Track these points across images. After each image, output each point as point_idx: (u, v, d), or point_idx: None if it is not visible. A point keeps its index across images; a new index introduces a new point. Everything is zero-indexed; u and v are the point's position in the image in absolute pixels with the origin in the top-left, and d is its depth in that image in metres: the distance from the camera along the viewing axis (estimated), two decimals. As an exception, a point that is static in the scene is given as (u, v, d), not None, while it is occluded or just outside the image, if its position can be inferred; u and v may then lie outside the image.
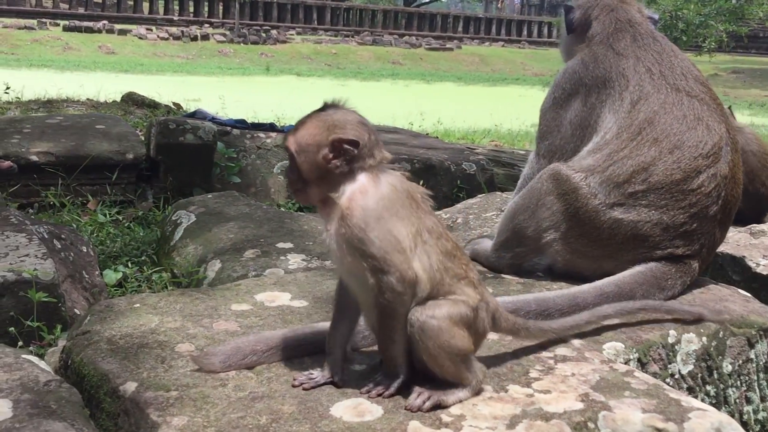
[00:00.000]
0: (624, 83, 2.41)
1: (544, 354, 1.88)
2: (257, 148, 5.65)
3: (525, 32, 38.68)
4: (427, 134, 8.37)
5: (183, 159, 5.22)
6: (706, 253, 2.38)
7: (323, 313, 2.14)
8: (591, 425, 1.57)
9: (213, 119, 6.05)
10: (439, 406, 1.60)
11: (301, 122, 1.67)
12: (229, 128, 5.65)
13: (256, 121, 6.65)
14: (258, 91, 17.67)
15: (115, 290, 3.78)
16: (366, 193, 1.59)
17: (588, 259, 2.39)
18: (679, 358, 2.06)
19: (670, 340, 2.07)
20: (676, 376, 2.06)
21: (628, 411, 1.61)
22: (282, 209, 4.93)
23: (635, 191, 2.29)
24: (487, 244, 2.62)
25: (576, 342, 1.97)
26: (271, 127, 6.23)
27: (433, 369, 1.62)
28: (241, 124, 6.12)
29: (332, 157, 1.60)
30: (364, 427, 1.52)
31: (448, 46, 32.49)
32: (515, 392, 1.68)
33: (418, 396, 1.61)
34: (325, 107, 1.67)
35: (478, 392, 1.66)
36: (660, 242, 2.30)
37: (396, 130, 7.11)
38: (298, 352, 1.80)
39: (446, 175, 5.57)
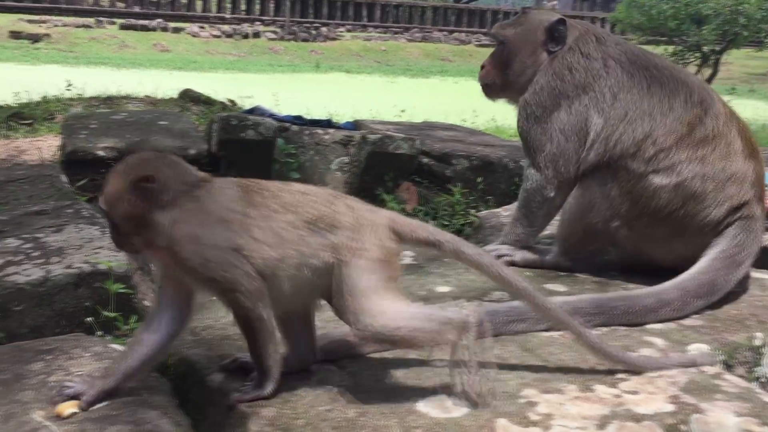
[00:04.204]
0: (602, 82, 2.48)
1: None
2: (315, 144, 5.69)
3: (576, 28, 37.89)
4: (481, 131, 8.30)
5: (244, 155, 5.28)
6: (759, 191, 2.40)
7: (399, 308, 2.14)
8: (683, 428, 1.53)
9: (271, 115, 6.11)
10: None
11: (106, 180, 1.68)
12: (288, 125, 5.69)
13: (313, 118, 6.69)
14: (308, 88, 17.78)
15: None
16: (186, 221, 1.59)
17: (656, 242, 2.39)
18: (765, 361, 2.00)
19: (757, 343, 2.01)
20: (762, 380, 2.00)
21: (721, 414, 1.57)
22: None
23: (651, 156, 2.34)
24: (540, 252, 2.61)
25: (659, 342, 1.93)
26: (328, 124, 6.27)
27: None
28: (298, 120, 6.17)
29: (136, 199, 1.59)
30: (452, 424, 1.51)
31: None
32: (602, 392, 1.66)
33: None
34: (124, 158, 1.70)
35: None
36: (715, 196, 2.31)
37: (452, 127, 7.07)
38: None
39: (504, 172, 5.52)
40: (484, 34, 31.61)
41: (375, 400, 1.60)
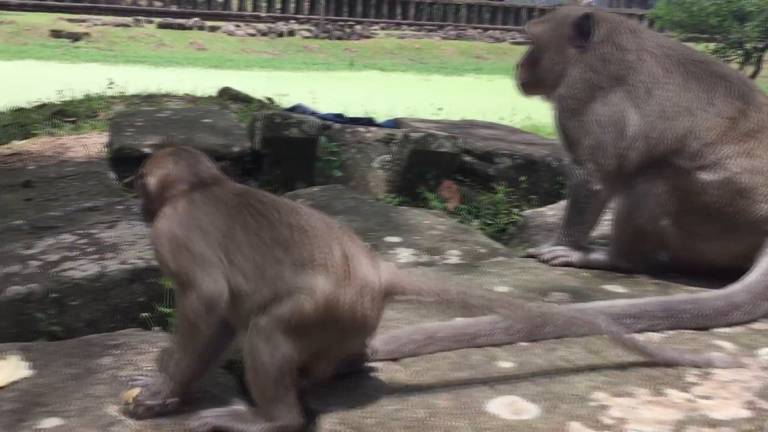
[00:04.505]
0: (635, 75, 2.44)
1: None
2: (357, 142, 5.69)
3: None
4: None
5: (287, 152, 5.31)
6: None
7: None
8: (762, 435, 1.50)
9: (313, 113, 6.13)
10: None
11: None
12: (330, 123, 5.71)
13: (354, 116, 6.70)
14: (342, 86, 17.84)
15: (227, 280, 3.89)
16: (164, 217, 1.65)
17: (707, 240, 2.35)
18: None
19: (829, 348, 1.95)
20: (835, 386, 1.94)
21: (801, 421, 1.52)
22: (384, 203, 4.97)
23: (695, 151, 2.31)
24: (597, 252, 2.57)
25: (729, 346, 1.89)
26: (369, 122, 6.27)
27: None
28: (339, 118, 6.18)
29: (144, 191, 1.73)
30: (524, 426, 1.50)
31: (532, 40, 31.94)
32: (675, 397, 1.62)
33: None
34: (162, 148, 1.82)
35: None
36: (766, 191, 2.26)
37: (492, 125, 7.02)
38: (455, 344, 1.80)
39: (547, 171, 5.47)
40: (519, 31, 31.38)
41: (443, 401, 1.59)
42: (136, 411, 1.53)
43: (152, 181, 1.71)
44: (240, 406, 1.59)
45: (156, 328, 2.69)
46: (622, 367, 1.74)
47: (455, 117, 8.12)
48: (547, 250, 2.60)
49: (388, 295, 1.59)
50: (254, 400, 1.55)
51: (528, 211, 4.72)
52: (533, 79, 2.69)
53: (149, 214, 1.73)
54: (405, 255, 3.43)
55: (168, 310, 2.88)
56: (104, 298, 2.93)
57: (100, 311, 2.92)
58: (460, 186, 5.54)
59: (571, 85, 2.53)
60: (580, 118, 2.50)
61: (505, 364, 1.76)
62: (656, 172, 2.36)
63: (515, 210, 5.13)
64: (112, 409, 1.54)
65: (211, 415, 1.53)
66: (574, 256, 2.54)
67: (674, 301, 2.04)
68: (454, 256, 3.44)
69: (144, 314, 2.87)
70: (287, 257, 1.51)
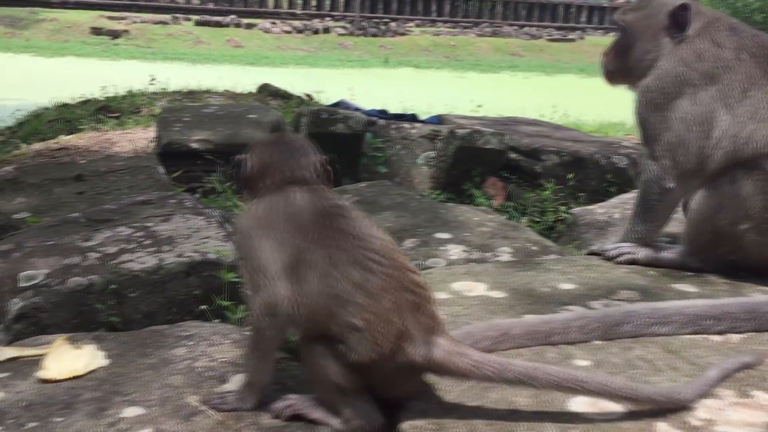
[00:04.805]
0: (732, 75, 2.36)
1: (780, 359, 1.76)
2: (402, 138, 5.67)
3: (651, 22, 36.74)
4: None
5: (333, 148, 5.28)
6: None
7: (525, 305, 2.10)
8: None
9: (357, 109, 6.13)
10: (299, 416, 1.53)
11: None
12: (375, 118, 5.70)
13: (397, 112, 6.68)
14: (377, 83, 17.83)
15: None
16: (248, 213, 1.63)
17: None
18: None
19: None
20: None
21: None
22: (431, 200, 4.94)
23: None
24: (664, 250, 2.51)
25: (813, 349, 1.82)
26: (413, 118, 6.25)
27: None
28: (383, 114, 6.17)
29: (237, 178, 1.72)
30: (610, 426, 1.46)
31: (570, 36, 31.60)
32: (762, 399, 1.57)
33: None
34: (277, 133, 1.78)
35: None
36: None
37: (536, 122, 6.95)
38: (530, 341, 1.77)
39: (596, 168, 5.38)
40: (556, 28, 31.08)
41: (523, 398, 1.56)
42: (218, 405, 1.53)
43: (248, 165, 1.68)
44: None
45: (216, 321, 2.70)
46: (704, 368, 1.69)
47: (494, 114, 8.05)
48: (612, 246, 2.55)
49: (432, 373, 1.56)
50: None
51: (577, 209, 4.66)
52: (621, 67, 2.62)
53: (245, 194, 1.73)
54: (456, 252, 3.41)
55: (226, 303, 2.89)
56: (161, 290, 2.95)
57: (157, 303, 2.95)
58: (505, 183, 5.49)
59: (659, 78, 2.46)
60: (663, 113, 2.43)
61: (582, 363, 1.73)
62: (743, 174, 2.28)
63: (562, 208, 5.07)
64: (193, 400, 1.54)
65: (295, 400, 1.53)
66: (641, 253, 2.49)
67: (757, 302, 1.98)
68: (505, 253, 3.40)
69: (202, 307, 2.89)
70: (348, 303, 1.48)
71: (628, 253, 2.49)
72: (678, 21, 2.47)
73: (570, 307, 2.07)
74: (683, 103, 2.39)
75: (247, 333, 1.56)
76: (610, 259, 2.51)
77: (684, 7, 2.46)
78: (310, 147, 1.74)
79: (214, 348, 1.78)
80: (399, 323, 1.47)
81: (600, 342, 1.84)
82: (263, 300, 1.51)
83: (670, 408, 1.49)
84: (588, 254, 2.67)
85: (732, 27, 2.46)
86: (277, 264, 1.51)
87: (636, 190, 2.68)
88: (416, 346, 1.49)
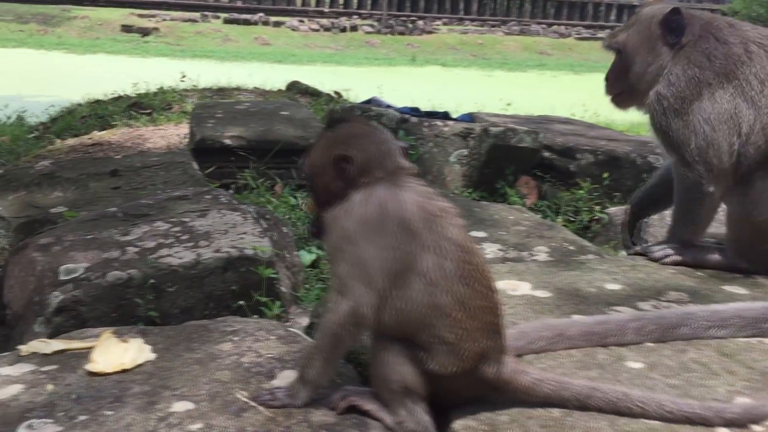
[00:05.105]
0: (746, 68, 2.33)
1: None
2: (434, 136, 5.63)
3: (682, 21, 36.28)
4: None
5: (366, 145, 5.29)
6: None
7: (571, 305, 2.06)
8: None
9: (388, 107, 6.11)
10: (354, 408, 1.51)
11: (313, 144, 1.62)
12: (407, 116, 5.67)
13: (429, 110, 6.65)
14: (404, 81, 17.81)
15: (309, 270, 3.90)
16: (350, 209, 1.49)
17: None
18: None
19: None
20: None
21: None
22: (464, 197, 4.90)
23: None
24: (712, 251, 2.46)
25: None
26: (445, 116, 6.21)
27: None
28: (416, 112, 6.14)
29: (336, 176, 1.53)
30: (667, 428, 1.42)
31: (599, 35, 31.27)
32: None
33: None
34: (335, 123, 1.61)
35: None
36: None
37: (569, 121, 6.87)
38: (585, 342, 1.73)
39: (631, 168, 5.29)
40: (585, 27, 30.79)
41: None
42: (267, 402, 1.52)
43: (355, 160, 1.52)
44: None
45: (255, 317, 2.70)
46: (762, 372, 1.65)
47: (525, 113, 7.98)
48: (657, 248, 2.50)
49: (497, 390, 1.54)
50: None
51: (612, 209, 4.60)
52: (626, 88, 2.57)
53: (323, 205, 1.57)
54: (492, 250, 3.37)
55: (264, 299, 2.89)
56: (199, 285, 2.96)
57: (194, 298, 2.95)
58: (538, 182, 5.43)
59: (673, 84, 2.40)
60: (685, 118, 2.38)
61: (635, 365, 1.69)
62: None
63: (597, 207, 5.00)
64: (242, 395, 1.53)
65: (353, 392, 1.51)
66: (688, 254, 2.44)
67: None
68: (542, 253, 3.36)
69: (240, 302, 2.89)
70: (446, 316, 1.45)
71: (675, 254, 2.44)
72: (672, 27, 2.42)
73: (618, 308, 2.03)
74: (704, 105, 2.34)
75: (321, 332, 1.50)
76: (656, 260, 2.46)
77: (675, 12, 2.42)
78: (389, 134, 1.63)
79: (260, 344, 1.77)
80: (484, 343, 1.47)
81: (652, 344, 1.80)
82: (351, 306, 1.46)
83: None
84: (632, 254, 2.62)
85: (731, 23, 2.43)
86: (379, 272, 1.45)
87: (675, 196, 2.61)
88: (490, 364, 1.49)
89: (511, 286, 2.19)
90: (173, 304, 2.92)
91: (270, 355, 1.70)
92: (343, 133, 1.60)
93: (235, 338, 1.80)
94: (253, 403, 1.49)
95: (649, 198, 2.77)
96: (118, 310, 2.81)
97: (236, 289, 3.00)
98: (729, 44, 2.37)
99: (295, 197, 4.86)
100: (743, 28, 2.42)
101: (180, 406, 1.49)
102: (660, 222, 4.30)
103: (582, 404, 1.48)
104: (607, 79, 2.64)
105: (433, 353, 1.45)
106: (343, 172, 1.52)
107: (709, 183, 2.37)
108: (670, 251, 2.46)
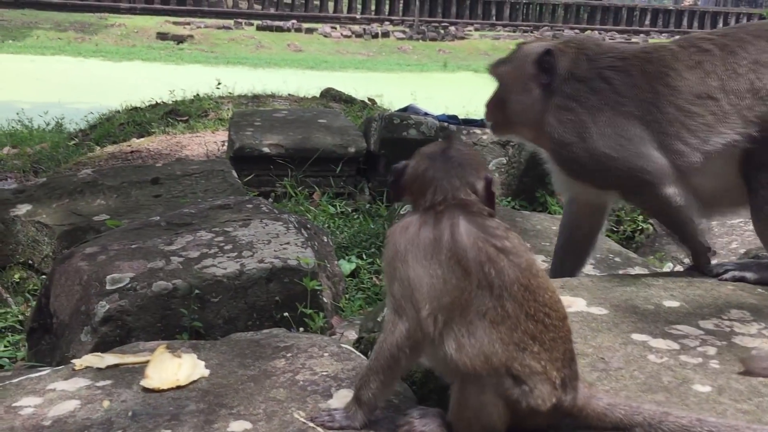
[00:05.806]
0: (607, 95, 2.38)
1: None
2: (473, 144, 5.59)
3: (720, 25, 35.90)
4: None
5: (404, 154, 5.20)
6: None
7: (630, 322, 2.00)
8: None
9: (426, 114, 6.08)
10: None
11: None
12: (446, 124, 5.63)
13: (467, 117, 6.60)
14: (436, 87, 17.76)
15: (350, 280, 3.87)
16: (405, 231, 1.49)
17: None
18: None
19: None
20: None
21: None
22: (505, 207, 4.84)
23: None
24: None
25: None
26: (482, 123, 6.14)
27: None
28: (454, 120, 6.10)
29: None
30: None
31: (633, 40, 30.91)
32: None
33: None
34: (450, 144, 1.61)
35: None
36: None
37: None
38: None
39: (675, 177, 5.17)
40: (619, 32, 30.50)
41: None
42: (326, 423, 1.49)
43: (408, 173, 1.55)
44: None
45: (300, 330, 2.68)
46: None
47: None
48: (716, 263, 2.42)
49: (571, 417, 1.52)
50: None
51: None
52: (503, 120, 2.56)
53: (397, 196, 1.61)
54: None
55: (308, 311, 2.87)
56: (243, 296, 2.95)
57: (238, 309, 2.94)
58: (579, 191, 5.35)
59: (561, 137, 2.39)
60: (597, 159, 2.36)
61: (702, 388, 1.62)
62: None
63: (640, 218, 4.90)
64: (299, 416, 1.50)
65: (417, 421, 1.48)
66: (748, 273, 2.36)
67: None
68: (587, 264, 3.28)
69: (284, 314, 2.87)
70: (525, 349, 1.43)
71: (735, 270, 2.36)
72: (545, 68, 2.41)
73: (679, 327, 1.96)
74: (596, 140, 2.34)
75: (377, 352, 1.48)
76: (714, 276, 2.38)
77: (548, 53, 2.41)
78: (478, 163, 1.58)
79: (314, 361, 1.74)
80: (564, 372, 1.46)
81: (718, 365, 1.73)
82: (408, 330, 1.44)
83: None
84: (689, 269, 2.55)
85: (589, 56, 2.44)
86: (432, 300, 1.42)
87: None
88: (567, 392, 1.47)
89: (566, 303, 2.11)
90: (217, 314, 2.91)
91: (325, 373, 1.67)
92: (422, 149, 1.61)
93: (288, 354, 1.77)
94: (311, 424, 1.46)
95: (568, 255, 2.78)
96: (163, 320, 2.81)
97: (280, 300, 2.98)
98: (586, 81, 2.39)
99: (333, 206, 4.85)
100: (599, 57, 2.43)
101: (237, 426, 1.47)
102: (727, 231, 4.18)
103: (654, 430, 1.43)
104: (486, 105, 2.63)
105: (530, 384, 1.42)
106: (397, 179, 1.59)
107: (663, 185, 2.33)
108: (729, 266, 2.39)
